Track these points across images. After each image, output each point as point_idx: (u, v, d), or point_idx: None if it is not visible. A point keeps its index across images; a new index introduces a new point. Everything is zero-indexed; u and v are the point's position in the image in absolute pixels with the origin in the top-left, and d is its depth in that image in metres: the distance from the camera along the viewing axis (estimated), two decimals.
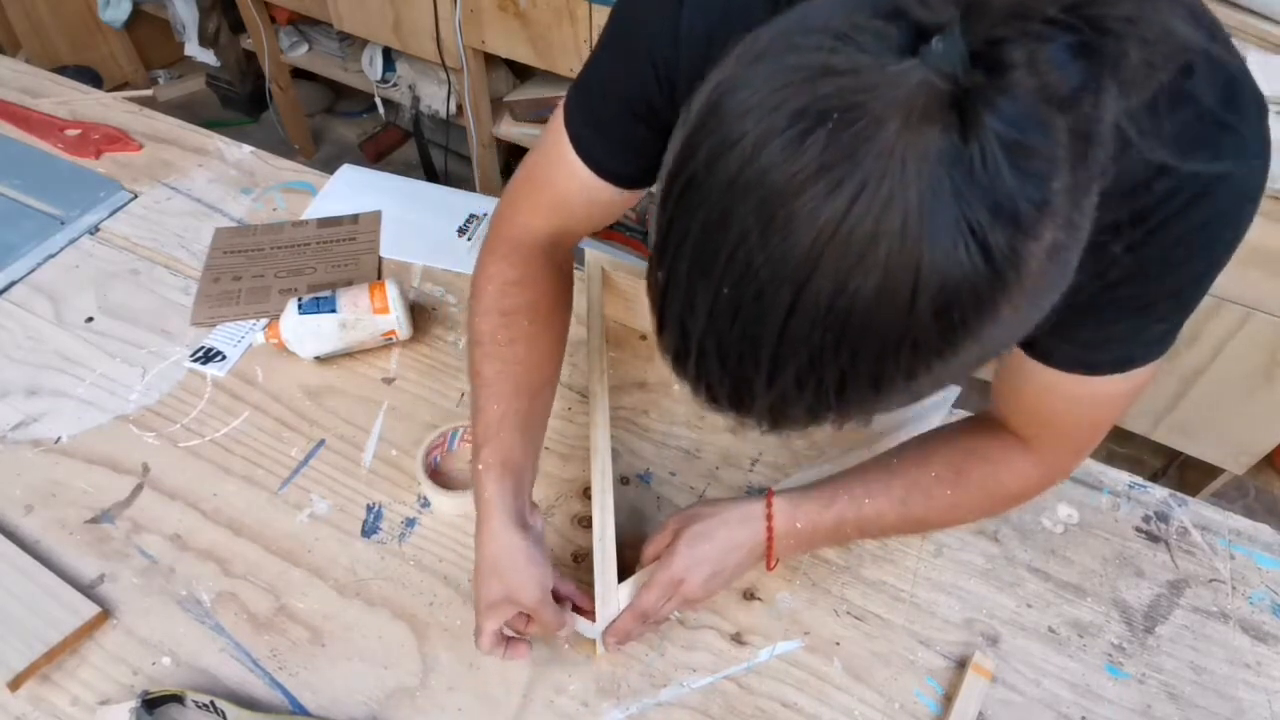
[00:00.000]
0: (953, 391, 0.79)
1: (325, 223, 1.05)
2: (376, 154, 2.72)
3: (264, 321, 0.92)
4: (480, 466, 0.64)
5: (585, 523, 0.76)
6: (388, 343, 0.90)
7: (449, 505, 0.76)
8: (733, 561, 0.66)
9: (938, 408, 0.79)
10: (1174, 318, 0.55)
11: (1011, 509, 0.75)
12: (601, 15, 1.68)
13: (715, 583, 0.66)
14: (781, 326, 0.31)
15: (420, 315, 0.94)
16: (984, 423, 0.69)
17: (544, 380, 0.69)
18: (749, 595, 0.73)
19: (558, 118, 0.65)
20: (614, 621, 0.65)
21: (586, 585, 0.68)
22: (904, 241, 0.28)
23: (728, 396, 0.36)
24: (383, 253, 1.02)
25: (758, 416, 0.36)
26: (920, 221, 0.28)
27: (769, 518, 0.66)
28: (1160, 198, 0.47)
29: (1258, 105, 0.47)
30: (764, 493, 0.68)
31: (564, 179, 0.65)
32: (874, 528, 0.68)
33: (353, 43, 2.39)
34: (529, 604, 0.62)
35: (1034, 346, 0.59)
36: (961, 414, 0.85)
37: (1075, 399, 0.59)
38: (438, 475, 0.79)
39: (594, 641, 0.67)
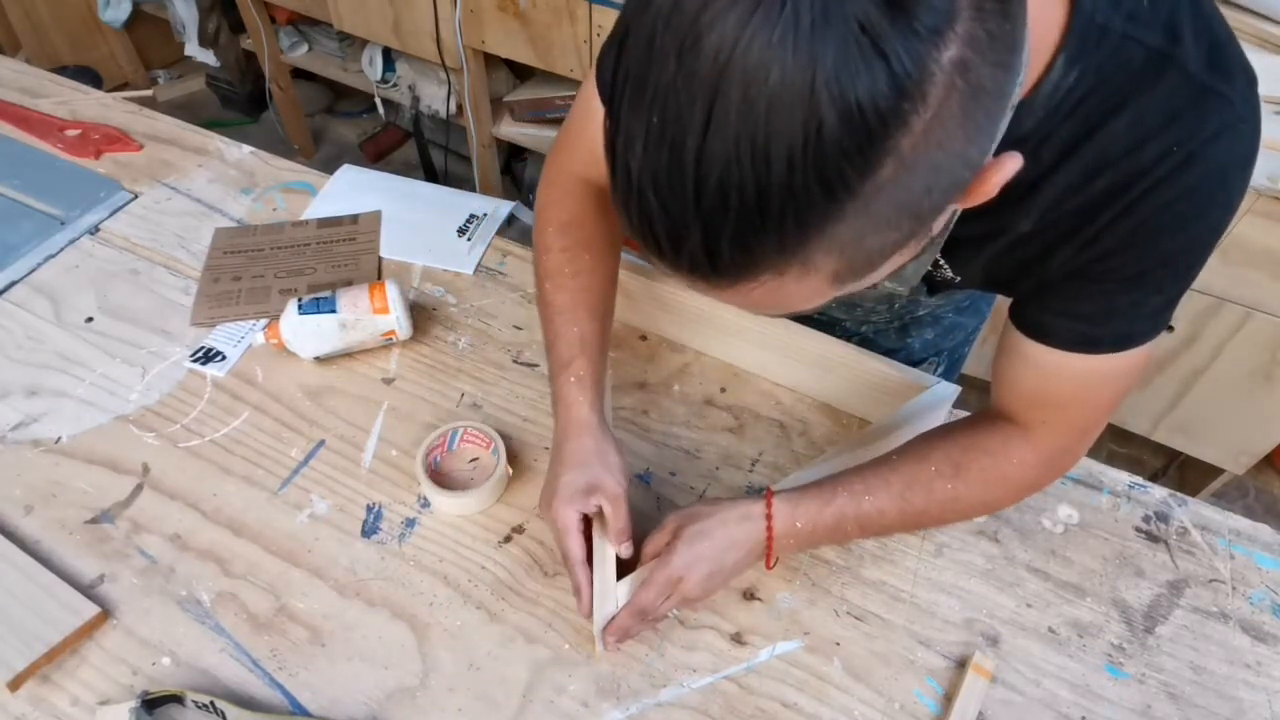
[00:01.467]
0: (951, 390, 0.79)
1: (325, 223, 1.05)
2: (376, 154, 2.72)
3: (264, 322, 0.92)
4: (572, 379, 0.71)
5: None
6: (388, 343, 0.90)
7: (450, 505, 0.76)
8: (731, 560, 0.66)
9: (936, 409, 0.79)
10: (1170, 289, 0.54)
11: (1013, 502, 0.74)
12: (601, 15, 1.68)
13: (714, 581, 0.66)
14: (700, 145, 0.32)
15: (420, 315, 0.94)
16: (984, 418, 0.69)
17: (608, 307, 0.77)
18: (749, 595, 0.73)
19: (590, 75, 0.70)
20: (613, 619, 0.65)
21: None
22: (797, 45, 0.29)
23: (667, 235, 0.36)
24: (383, 253, 1.02)
25: (693, 255, 0.36)
26: (813, 24, 0.29)
27: (769, 517, 0.66)
28: (1149, 163, 0.47)
29: (1245, 72, 0.48)
30: (763, 492, 0.68)
31: (595, 129, 0.68)
32: (875, 525, 0.67)
33: (353, 43, 2.39)
34: (611, 494, 0.67)
35: (1034, 326, 0.59)
36: (962, 413, 0.85)
37: (1075, 379, 0.59)
38: (438, 475, 0.79)
39: (594, 642, 0.67)
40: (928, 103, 0.31)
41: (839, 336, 0.85)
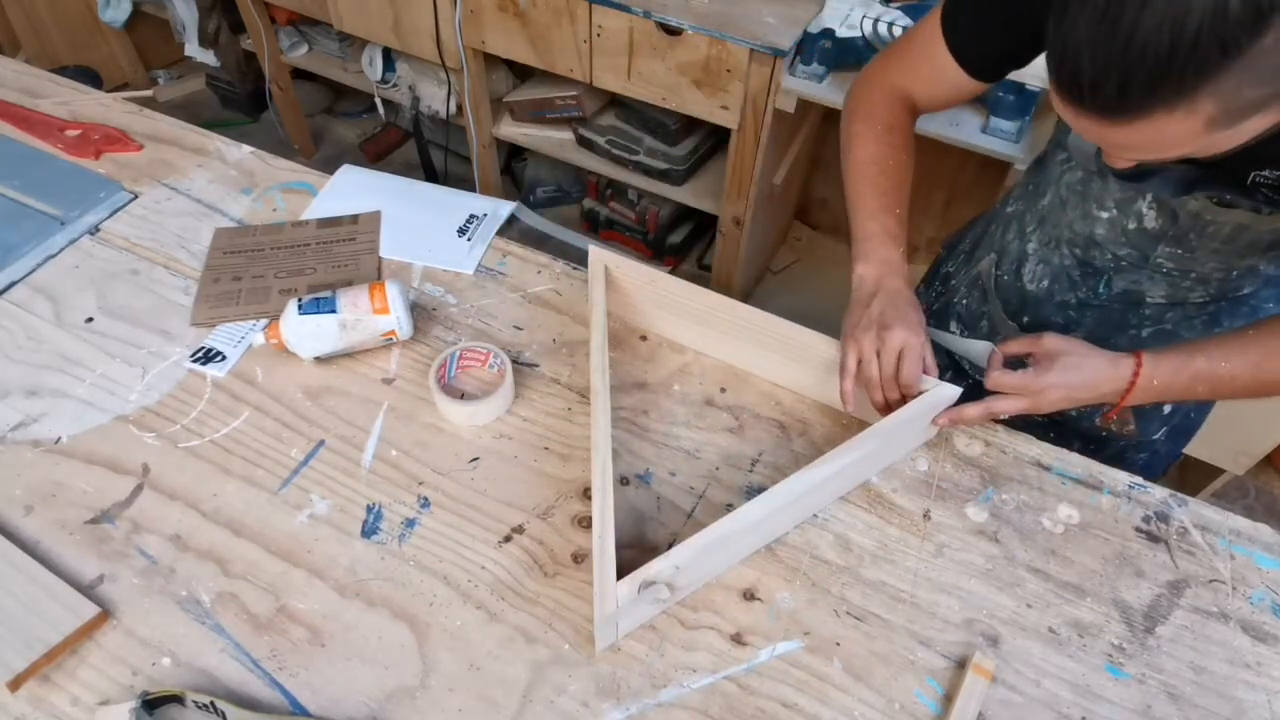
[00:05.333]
0: (953, 391, 0.79)
1: (325, 223, 1.05)
2: (376, 154, 2.72)
3: (264, 322, 0.92)
4: (891, 237, 0.82)
5: (585, 523, 0.77)
6: (388, 343, 0.90)
7: (458, 414, 0.83)
8: (1084, 396, 0.74)
9: (937, 409, 0.79)
10: None
11: None
12: (601, 15, 1.67)
13: (1060, 405, 0.75)
14: (1135, 18, 0.47)
15: (420, 315, 0.94)
16: None
17: (910, 183, 0.87)
18: (749, 595, 0.73)
19: (937, 12, 0.81)
20: (958, 408, 0.76)
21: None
22: None
23: (1090, 84, 0.51)
24: (383, 253, 1.02)
25: (1108, 97, 0.51)
26: None
27: (1136, 374, 0.73)
28: None
29: None
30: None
31: (927, 52, 0.83)
32: (1224, 389, 0.73)
33: (353, 43, 2.39)
34: (918, 337, 0.77)
35: None
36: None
37: None
38: (449, 390, 0.87)
39: (594, 642, 0.67)
40: None
41: (1136, 328, 0.86)
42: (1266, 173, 0.67)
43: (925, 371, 0.78)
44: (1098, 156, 0.77)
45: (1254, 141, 0.54)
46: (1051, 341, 0.76)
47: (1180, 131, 0.51)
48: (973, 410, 0.77)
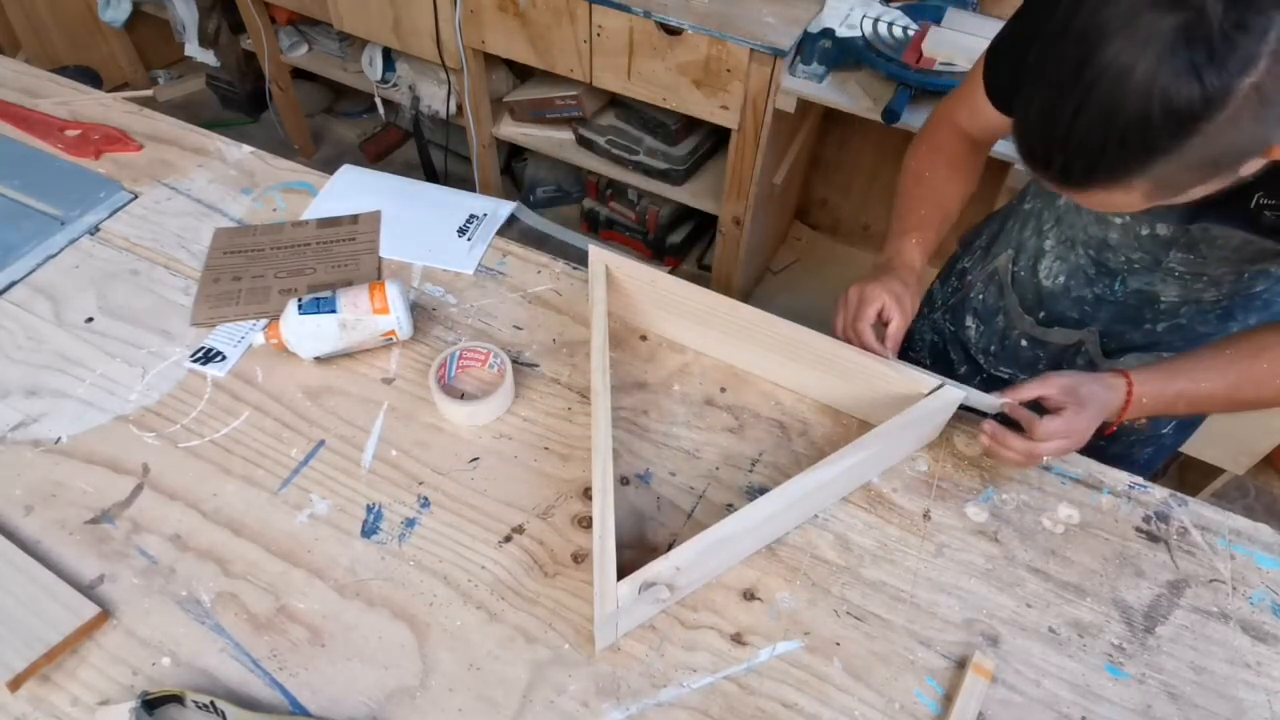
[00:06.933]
0: (956, 394, 0.79)
1: (325, 223, 1.05)
2: (376, 154, 2.72)
3: (264, 322, 0.92)
4: (914, 240, 0.88)
5: (585, 523, 0.77)
6: (388, 343, 0.90)
7: (458, 414, 0.83)
8: (1097, 423, 0.77)
9: (940, 413, 0.79)
10: None
11: None
12: (601, 15, 1.67)
13: (1086, 440, 0.77)
14: (1072, 115, 0.54)
15: (420, 315, 0.94)
16: None
17: (950, 210, 0.93)
18: (749, 595, 0.73)
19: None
20: (1004, 434, 0.77)
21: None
22: (1147, 69, 0.50)
23: (1043, 163, 0.58)
24: (383, 253, 1.02)
25: (1058, 173, 0.57)
26: (1159, 56, 0.49)
27: (1129, 394, 0.76)
28: None
29: None
30: (761, 492, 0.67)
31: (974, 77, 0.89)
32: (1203, 405, 0.78)
33: (353, 43, 2.39)
34: (904, 316, 0.83)
35: None
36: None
37: None
38: (449, 390, 0.87)
39: (594, 642, 0.67)
40: (1227, 109, 0.49)
41: (1151, 322, 0.87)
42: (1270, 201, 0.68)
43: (887, 325, 0.83)
44: None
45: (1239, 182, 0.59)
46: (1061, 378, 0.77)
47: (1122, 200, 0.57)
48: (1017, 444, 0.76)
